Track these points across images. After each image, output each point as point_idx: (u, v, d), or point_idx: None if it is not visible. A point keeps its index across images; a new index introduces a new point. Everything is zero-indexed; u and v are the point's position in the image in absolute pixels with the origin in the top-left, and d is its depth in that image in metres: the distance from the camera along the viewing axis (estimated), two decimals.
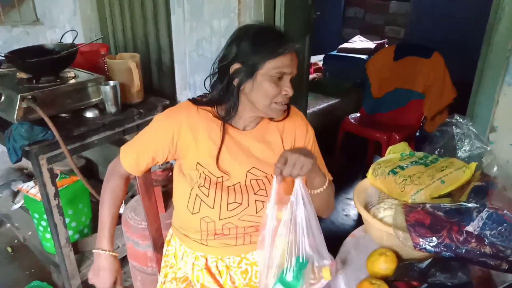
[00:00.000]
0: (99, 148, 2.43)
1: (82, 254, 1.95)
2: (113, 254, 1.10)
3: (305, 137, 1.12)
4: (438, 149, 1.33)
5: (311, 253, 0.95)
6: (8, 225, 2.32)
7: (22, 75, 1.71)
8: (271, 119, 1.08)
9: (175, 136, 1.03)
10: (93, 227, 2.18)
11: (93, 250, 1.11)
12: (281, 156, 0.94)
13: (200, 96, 1.08)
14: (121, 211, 1.77)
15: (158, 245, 1.41)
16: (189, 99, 1.08)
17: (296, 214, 0.95)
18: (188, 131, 1.03)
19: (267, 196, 1.02)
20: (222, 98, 1.01)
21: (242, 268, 1.07)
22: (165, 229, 1.38)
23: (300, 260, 0.92)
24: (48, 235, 1.85)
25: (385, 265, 1.07)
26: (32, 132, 1.50)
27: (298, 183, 0.95)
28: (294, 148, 0.98)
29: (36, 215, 1.89)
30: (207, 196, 1.01)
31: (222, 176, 1.03)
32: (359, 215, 2.63)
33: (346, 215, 2.66)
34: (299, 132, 1.11)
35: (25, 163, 2.88)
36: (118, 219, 1.82)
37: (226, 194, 1.01)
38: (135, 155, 1.08)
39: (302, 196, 0.95)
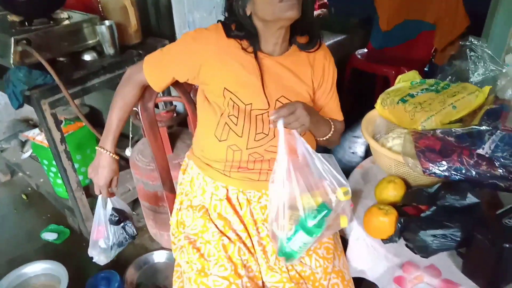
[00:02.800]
0: (101, 95, 2.40)
1: (94, 198, 1.99)
2: (114, 156, 1.15)
3: (332, 74, 1.11)
4: (450, 77, 1.28)
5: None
6: (20, 174, 2.36)
7: (13, 17, 1.64)
8: (301, 47, 1.04)
9: (200, 60, 1.00)
10: None
11: (96, 147, 1.15)
12: (292, 103, 0.92)
13: (227, 20, 1.03)
14: (128, 153, 1.78)
15: (167, 184, 1.43)
16: (219, 21, 1.04)
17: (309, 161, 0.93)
18: (216, 56, 1.00)
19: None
20: (241, 32, 1.00)
21: (262, 203, 1.07)
22: (173, 169, 1.39)
23: (326, 207, 0.91)
24: (59, 181, 1.88)
25: (393, 192, 1.07)
26: (31, 76, 1.47)
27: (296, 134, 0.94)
28: (305, 104, 0.94)
29: (46, 162, 1.91)
30: (236, 125, 1.00)
31: (251, 104, 1.00)
32: (366, 152, 2.63)
33: (352, 152, 2.66)
34: (328, 67, 1.09)
35: (30, 113, 2.88)
36: (126, 162, 1.86)
37: (254, 124, 1.00)
38: (159, 68, 1.07)
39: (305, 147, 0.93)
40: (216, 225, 1.05)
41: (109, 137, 1.13)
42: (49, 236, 1.99)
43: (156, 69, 1.07)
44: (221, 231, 1.04)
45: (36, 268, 1.60)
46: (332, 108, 1.15)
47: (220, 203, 1.07)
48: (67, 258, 1.66)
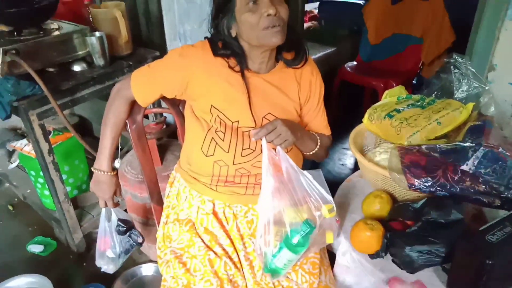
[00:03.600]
0: (91, 104, 2.39)
1: (82, 209, 1.97)
2: (112, 174, 1.19)
3: (319, 90, 1.12)
4: (436, 92, 1.31)
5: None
6: (7, 184, 2.33)
7: (2, 27, 1.63)
8: (287, 63, 1.06)
9: (187, 77, 1.00)
10: None
11: (92, 168, 1.18)
12: (271, 122, 0.95)
13: (214, 37, 1.03)
14: (117, 165, 1.77)
15: (155, 197, 1.42)
16: (206, 38, 1.04)
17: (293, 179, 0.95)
18: (203, 73, 1.00)
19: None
20: (227, 51, 1.01)
21: (248, 218, 1.07)
22: (162, 181, 1.39)
23: (309, 225, 0.91)
24: (47, 192, 1.86)
25: (380, 207, 1.08)
26: (19, 87, 1.46)
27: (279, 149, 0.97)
28: (286, 120, 0.97)
29: (33, 173, 1.89)
30: (223, 140, 1.00)
31: (238, 121, 1.01)
32: (355, 164, 2.65)
33: (342, 164, 2.68)
34: (315, 83, 1.10)
35: (18, 122, 2.85)
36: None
37: (241, 140, 1.01)
38: (146, 85, 1.07)
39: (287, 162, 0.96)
40: (202, 240, 1.05)
41: (104, 157, 1.15)
42: (35, 248, 1.96)
43: (144, 85, 1.07)
44: (207, 246, 1.04)
45: (20, 282, 1.57)
46: (319, 123, 1.16)
47: (207, 217, 1.07)
48: (53, 270, 1.64)
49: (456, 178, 0.97)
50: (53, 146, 1.65)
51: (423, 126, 1.11)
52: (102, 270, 1.31)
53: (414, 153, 1.05)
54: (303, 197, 0.91)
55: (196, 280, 0.98)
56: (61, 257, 1.91)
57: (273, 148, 0.97)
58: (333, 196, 1.27)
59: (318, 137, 1.12)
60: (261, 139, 0.95)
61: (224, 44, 1.00)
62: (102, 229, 1.28)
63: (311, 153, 1.12)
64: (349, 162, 2.68)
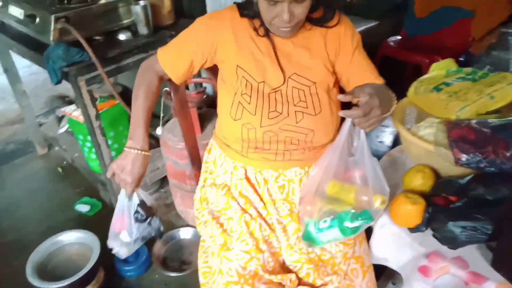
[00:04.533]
0: (134, 75, 2.46)
1: None
2: (147, 153, 1.03)
3: (351, 37, 1.05)
4: (488, 66, 1.24)
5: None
6: (57, 148, 2.47)
7: None
8: (313, 22, 1.03)
9: (216, 37, 1.01)
10: None
11: (125, 148, 1.03)
12: (367, 102, 0.84)
13: (242, 1, 1.04)
14: (159, 132, 1.83)
15: (196, 163, 1.47)
16: (235, 2, 1.05)
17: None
18: (230, 33, 1.01)
19: (307, 108, 1.01)
20: (251, 13, 1.00)
21: (280, 183, 1.09)
22: (202, 149, 1.42)
23: (369, 215, 0.93)
24: (93, 155, 1.96)
25: (422, 181, 1.06)
26: (69, 53, 1.52)
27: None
28: (379, 93, 0.87)
29: (81, 137, 1.99)
30: (249, 103, 1.01)
31: (264, 82, 1.01)
32: (394, 142, 2.59)
33: (380, 141, 2.62)
34: (344, 33, 1.05)
35: (66, 91, 2.99)
36: (157, 141, 1.91)
37: (267, 102, 1.01)
38: (174, 54, 1.06)
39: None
40: (238, 202, 1.08)
41: (139, 133, 1.03)
42: (82, 208, 2.09)
43: (172, 53, 1.06)
44: (242, 209, 1.07)
45: (70, 237, 1.69)
46: (365, 71, 1.06)
47: (241, 182, 1.10)
48: (98, 229, 1.73)
49: (508, 154, 0.93)
50: (99, 112, 1.72)
51: (474, 100, 1.06)
52: (112, 252, 1.14)
53: (462, 127, 1.01)
54: (363, 179, 0.92)
55: (233, 240, 1.02)
56: (106, 217, 1.98)
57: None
58: None
59: (392, 94, 1.01)
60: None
61: (249, 6, 1.00)
62: (119, 208, 1.10)
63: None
64: (387, 140, 2.62)
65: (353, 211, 0.95)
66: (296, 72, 1.02)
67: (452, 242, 0.91)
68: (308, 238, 1.00)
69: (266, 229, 1.04)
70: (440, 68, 1.26)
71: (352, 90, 0.91)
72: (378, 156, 1.39)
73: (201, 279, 1.08)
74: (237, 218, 1.05)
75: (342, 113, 0.86)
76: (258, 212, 1.07)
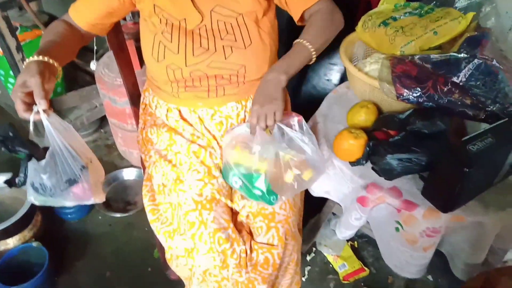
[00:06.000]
0: (62, 2, 2.18)
1: (57, 113, 1.91)
2: (36, 58, 0.82)
3: None
4: (435, 1, 1.23)
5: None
6: None
7: None
8: None
9: None
10: (67, 86, 2.10)
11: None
12: (251, 114, 0.90)
13: None
14: (93, 67, 1.68)
15: (136, 101, 1.37)
16: None
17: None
18: None
19: (235, 41, 0.95)
20: None
21: (216, 120, 1.05)
22: (142, 85, 1.32)
23: (272, 200, 0.96)
24: None
25: (365, 117, 1.07)
26: None
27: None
28: (255, 96, 0.91)
29: (2, 72, 1.77)
30: (171, 42, 0.93)
31: (185, 19, 0.93)
32: (341, 80, 2.61)
33: (327, 79, 2.63)
34: None
35: None
36: (92, 78, 1.75)
37: (190, 39, 0.94)
38: (83, 4, 0.96)
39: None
40: (182, 136, 1.04)
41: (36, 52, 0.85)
42: None
43: (81, 5, 0.96)
44: (189, 140, 1.03)
45: (1, 179, 1.56)
46: None
47: (177, 123, 1.06)
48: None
49: (445, 89, 0.95)
50: (21, 43, 1.53)
51: (419, 36, 1.06)
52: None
53: (406, 63, 1.01)
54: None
55: (184, 172, 0.99)
56: None
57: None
58: (317, 107, 1.27)
59: (307, 43, 0.93)
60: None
61: None
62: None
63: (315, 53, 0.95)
64: (335, 78, 2.63)
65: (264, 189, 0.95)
66: (219, 4, 0.94)
67: (389, 173, 0.95)
68: (226, 179, 1.02)
69: (216, 157, 1.03)
70: (389, 2, 1.23)
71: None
72: (325, 93, 1.39)
73: (150, 216, 1.06)
74: (184, 151, 1.02)
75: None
76: (206, 142, 1.04)
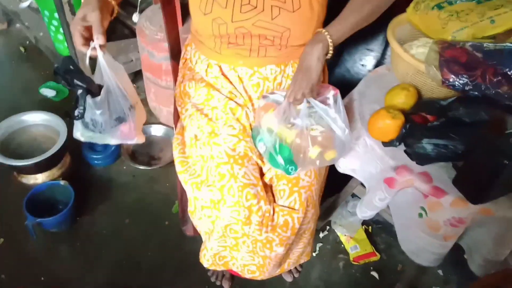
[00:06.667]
0: None
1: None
2: None
3: None
4: None
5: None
6: (18, 25, 2.25)
7: None
8: None
9: None
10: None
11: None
12: (289, 87, 0.92)
13: None
14: (136, 19, 1.69)
15: (176, 55, 1.38)
16: None
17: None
18: None
19: (285, 2, 0.93)
20: None
21: (254, 81, 1.05)
22: (182, 43, 1.33)
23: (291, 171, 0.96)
24: (61, 36, 1.81)
25: (404, 99, 1.06)
26: None
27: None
28: (297, 69, 0.92)
29: (47, 13, 1.80)
30: None
31: None
32: (376, 66, 2.56)
33: (363, 65, 2.58)
34: None
35: None
36: (131, 32, 1.75)
37: None
38: None
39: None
40: (220, 92, 1.05)
41: None
42: (48, 92, 1.98)
43: None
44: (227, 97, 1.04)
45: (36, 118, 1.62)
46: None
47: (217, 80, 1.07)
48: (64, 115, 1.68)
49: (495, 80, 0.92)
50: None
51: (474, 22, 1.02)
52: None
53: (456, 49, 0.98)
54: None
55: (220, 126, 1.01)
56: (72, 104, 1.94)
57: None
58: (349, 90, 1.26)
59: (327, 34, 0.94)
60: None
61: None
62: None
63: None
64: (370, 64, 2.57)
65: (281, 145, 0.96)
66: None
67: (423, 158, 0.94)
68: (254, 139, 1.04)
69: (251, 118, 1.04)
70: None
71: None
72: (358, 79, 1.37)
73: (178, 168, 1.08)
74: (221, 107, 1.04)
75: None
76: (244, 101, 1.05)
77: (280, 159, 0.97)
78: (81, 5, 0.84)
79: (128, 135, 0.92)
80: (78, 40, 0.81)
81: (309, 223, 1.06)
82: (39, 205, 1.45)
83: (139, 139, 0.95)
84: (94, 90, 0.84)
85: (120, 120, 0.89)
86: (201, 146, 1.02)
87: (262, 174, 1.04)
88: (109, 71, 0.83)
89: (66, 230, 1.51)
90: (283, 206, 1.00)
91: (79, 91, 0.83)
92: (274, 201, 1.02)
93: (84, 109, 0.84)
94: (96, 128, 0.87)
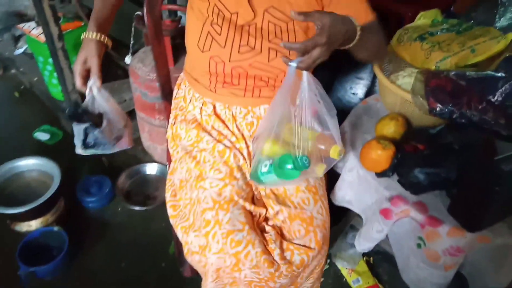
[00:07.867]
0: None
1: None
2: (98, 38, 0.96)
3: None
4: (472, 21, 1.22)
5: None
6: (13, 70, 2.29)
7: None
8: None
9: None
10: None
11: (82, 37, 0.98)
12: (310, 40, 0.74)
13: None
14: (128, 61, 1.73)
15: (168, 97, 1.40)
16: None
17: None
18: None
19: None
20: None
21: (248, 120, 1.06)
22: (173, 82, 1.35)
23: (305, 162, 0.87)
24: (55, 81, 1.84)
25: (394, 129, 1.07)
26: None
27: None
28: (335, 19, 0.75)
29: (41, 59, 1.84)
30: (219, 34, 0.95)
31: (237, 13, 0.94)
32: (367, 94, 2.60)
33: (353, 93, 2.63)
34: None
35: (24, 8, 2.72)
36: (124, 72, 1.79)
37: (239, 35, 0.94)
38: None
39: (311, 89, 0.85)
40: (210, 134, 1.05)
41: (92, 20, 0.98)
42: (42, 136, 1.99)
43: None
44: (215, 139, 1.04)
45: (29, 163, 1.62)
46: (354, 5, 0.91)
47: (209, 118, 1.07)
48: (58, 159, 1.68)
49: (480, 107, 0.94)
50: (63, 32, 1.59)
51: (456, 52, 1.05)
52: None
53: (441, 78, 1.01)
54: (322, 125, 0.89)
55: (207, 170, 1.00)
56: (66, 147, 1.94)
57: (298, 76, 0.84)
58: (345, 117, 1.26)
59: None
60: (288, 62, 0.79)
61: None
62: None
63: (351, 44, 0.83)
64: (361, 92, 2.62)
65: (293, 155, 0.89)
66: (274, 5, 0.94)
67: (416, 187, 0.94)
68: (256, 178, 0.97)
69: (240, 159, 1.03)
70: (427, 18, 1.23)
71: (312, 12, 0.75)
72: (350, 107, 1.39)
73: (170, 212, 1.07)
74: (209, 149, 1.03)
75: (282, 44, 0.76)
76: (232, 143, 1.05)
77: (288, 165, 0.90)
78: (81, 47, 0.96)
79: (123, 146, 1.12)
80: (78, 82, 0.95)
81: (321, 259, 1.04)
82: (33, 253, 1.42)
83: (130, 145, 1.16)
84: (98, 121, 1.02)
85: (118, 138, 1.10)
86: (190, 188, 1.02)
87: (252, 217, 1.02)
88: (105, 103, 1.01)
89: (61, 277, 1.47)
90: (298, 245, 0.98)
91: (87, 125, 1.01)
92: (285, 239, 0.99)
93: (96, 139, 1.04)
94: (99, 147, 1.06)
